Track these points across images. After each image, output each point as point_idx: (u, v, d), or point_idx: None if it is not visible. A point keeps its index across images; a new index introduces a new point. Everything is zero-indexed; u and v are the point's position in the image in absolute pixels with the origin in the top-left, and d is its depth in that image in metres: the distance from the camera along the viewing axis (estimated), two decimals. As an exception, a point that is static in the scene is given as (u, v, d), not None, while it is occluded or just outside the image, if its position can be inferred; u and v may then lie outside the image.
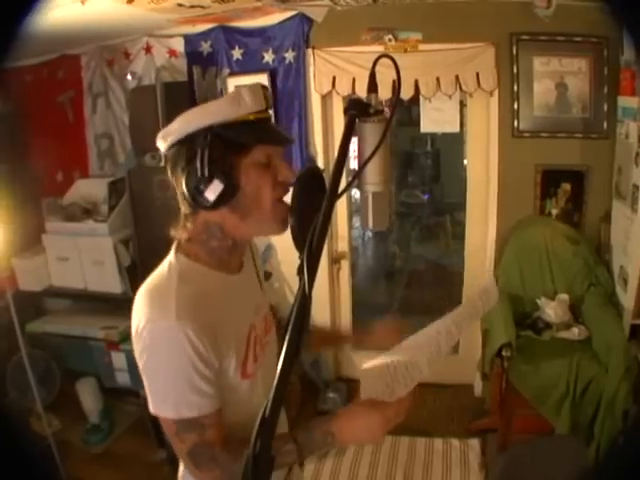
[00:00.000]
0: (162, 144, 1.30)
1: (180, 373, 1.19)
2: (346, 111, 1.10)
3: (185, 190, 1.25)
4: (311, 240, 0.94)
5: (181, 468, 1.50)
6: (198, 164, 1.22)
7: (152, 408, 1.25)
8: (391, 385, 1.25)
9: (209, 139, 1.22)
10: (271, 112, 1.35)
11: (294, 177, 1.28)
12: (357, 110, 1.11)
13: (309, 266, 0.92)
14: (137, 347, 1.23)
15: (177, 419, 1.21)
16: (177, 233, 1.35)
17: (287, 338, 0.88)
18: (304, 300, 0.91)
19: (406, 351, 1.28)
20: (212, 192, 1.22)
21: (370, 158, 1.08)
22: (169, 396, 1.21)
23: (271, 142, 1.30)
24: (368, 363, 1.27)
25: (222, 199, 1.23)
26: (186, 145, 1.25)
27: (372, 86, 1.15)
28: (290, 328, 0.89)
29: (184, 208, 1.32)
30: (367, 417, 1.23)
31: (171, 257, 1.32)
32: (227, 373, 1.28)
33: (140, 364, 1.24)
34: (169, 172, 1.31)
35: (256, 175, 1.27)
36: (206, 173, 1.21)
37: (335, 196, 0.99)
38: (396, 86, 1.13)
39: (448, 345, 1.29)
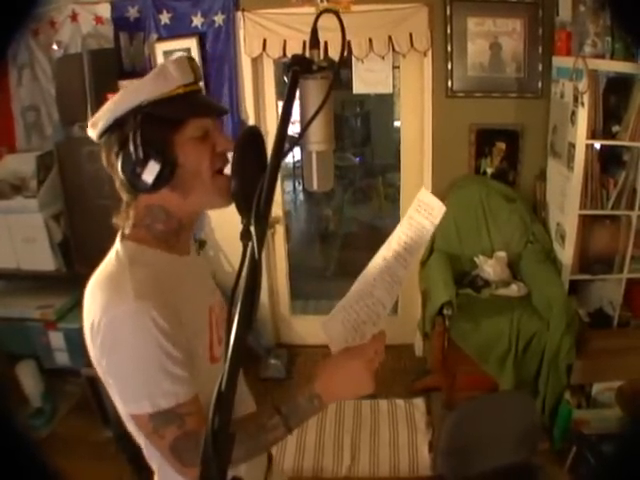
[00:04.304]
0: (93, 132, 1.23)
1: (150, 359, 1.11)
2: (289, 68, 1.05)
3: (122, 176, 1.19)
4: (258, 202, 0.90)
5: (157, 474, 1.38)
6: (131, 146, 1.15)
7: (125, 409, 1.18)
8: (359, 328, 1.23)
9: (139, 119, 1.16)
10: (201, 84, 1.30)
11: (232, 147, 1.22)
12: (300, 67, 1.06)
13: (257, 229, 0.88)
14: (96, 344, 1.14)
15: (153, 413, 1.13)
16: (119, 222, 1.28)
17: (239, 306, 0.84)
18: (254, 265, 0.87)
19: (362, 290, 1.24)
20: (149, 173, 1.16)
21: (316, 115, 1.03)
22: (142, 388, 1.12)
23: (204, 114, 1.24)
24: (327, 316, 1.23)
25: (161, 179, 1.17)
26: (117, 129, 1.19)
27: (314, 42, 1.11)
28: (242, 296, 0.85)
29: (124, 195, 1.25)
30: (347, 366, 1.18)
31: (117, 246, 1.25)
32: (197, 359, 1.21)
33: (103, 363, 1.16)
34: (104, 161, 1.24)
35: (193, 149, 1.21)
36: (141, 155, 1.15)
37: (281, 156, 0.95)
38: (338, 45, 1.09)
39: (406, 270, 1.24)
